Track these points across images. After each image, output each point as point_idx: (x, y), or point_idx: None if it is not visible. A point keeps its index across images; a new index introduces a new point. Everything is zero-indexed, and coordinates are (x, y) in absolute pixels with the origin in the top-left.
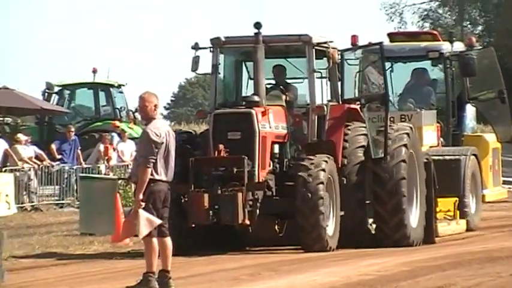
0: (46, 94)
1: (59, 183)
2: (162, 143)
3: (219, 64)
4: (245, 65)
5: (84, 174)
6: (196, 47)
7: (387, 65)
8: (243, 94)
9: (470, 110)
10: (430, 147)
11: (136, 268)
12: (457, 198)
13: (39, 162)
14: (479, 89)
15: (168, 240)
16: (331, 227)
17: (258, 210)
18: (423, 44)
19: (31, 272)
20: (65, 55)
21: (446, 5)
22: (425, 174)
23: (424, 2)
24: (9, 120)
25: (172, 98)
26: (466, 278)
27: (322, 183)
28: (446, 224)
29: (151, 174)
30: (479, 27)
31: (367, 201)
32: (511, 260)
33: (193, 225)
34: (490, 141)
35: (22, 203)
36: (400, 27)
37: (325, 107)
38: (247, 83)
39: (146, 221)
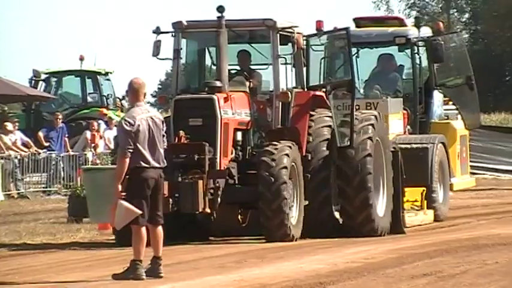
0: (33, 81)
1: (46, 170)
2: (138, 131)
3: (181, 49)
4: (208, 51)
5: (87, 166)
6: (157, 31)
7: (353, 50)
8: (207, 80)
9: (437, 97)
10: (397, 135)
11: (123, 256)
12: (425, 188)
13: (26, 150)
14: (447, 75)
15: (160, 229)
16: (294, 216)
17: (219, 199)
18: (390, 29)
19: (18, 259)
20: (52, 42)
21: None
22: (392, 163)
23: None
24: None
25: (159, 86)
26: (453, 265)
27: (285, 167)
28: (413, 214)
29: (138, 162)
30: (466, 15)
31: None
32: (497, 248)
33: None
34: (457, 128)
35: (9, 191)
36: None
37: (289, 93)
38: (211, 69)
39: (125, 212)
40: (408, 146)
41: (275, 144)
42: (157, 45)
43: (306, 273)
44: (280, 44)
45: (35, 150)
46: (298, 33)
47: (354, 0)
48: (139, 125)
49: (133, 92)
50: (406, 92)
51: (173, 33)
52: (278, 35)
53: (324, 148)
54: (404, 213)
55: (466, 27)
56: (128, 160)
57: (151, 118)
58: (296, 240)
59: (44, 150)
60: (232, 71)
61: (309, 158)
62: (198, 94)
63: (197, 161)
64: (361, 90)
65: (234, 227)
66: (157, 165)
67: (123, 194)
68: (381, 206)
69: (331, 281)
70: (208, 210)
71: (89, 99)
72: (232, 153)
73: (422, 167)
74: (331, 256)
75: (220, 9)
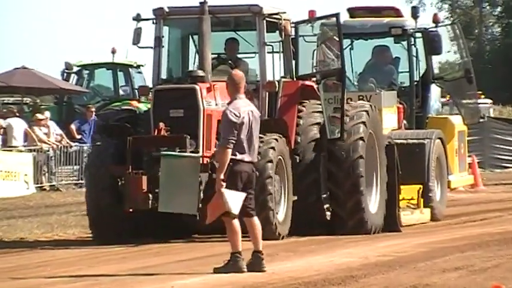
0: (65, 74)
1: (78, 163)
2: (242, 123)
3: (163, 37)
4: (192, 38)
5: (166, 152)
6: (138, 18)
7: (347, 42)
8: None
9: (435, 90)
10: (392, 130)
11: (156, 249)
12: (421, 186)
13: (57, 143)
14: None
15: (255, 220)
16: (281, 212)
17: (201, 194)
18: (385, 20)
19: (50, 251)
20: (84, 35)
21: None
22: (386, 159)
23: None
24: (28, 100)
25: None
26: (485, 259)
27: (271, 161)
28: (409, 212)
29: (234, 155)
30: (499, 8)
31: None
32: None
33: (130, 210)
34: (456, 123)
35: (41, 183)
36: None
37: (277, 83)
38: (195, 58)
39: (233, 198)
40: (404, 141)
41: (261, 137)
42: (137, 33)
43: (337, 267)
44: (267, 31)
45: (67, 143)
46: (285, 19)
47: None
48: (243, 117)
49: (235, 84)
50: (402, 86)
51: (154, 20)
52: (264, 21)
53: (315, 131)
54: (400, 212)
55: (498, 21)
56: (230, 151)
57: (252, 112)
58: (283, 239)
59: (76, 143)
60: (215, 61)
61: (299, 140)
62: (179, 84)
63: None
64: (355, 83)
65: (220, 224)
66: (251, 159)
67: (224, 184)
68: (374, 202)
69: (362, 274)
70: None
71: (121, 92)
72: (216, 146)
73: (419, 164)
74: (362, 250)
75: None
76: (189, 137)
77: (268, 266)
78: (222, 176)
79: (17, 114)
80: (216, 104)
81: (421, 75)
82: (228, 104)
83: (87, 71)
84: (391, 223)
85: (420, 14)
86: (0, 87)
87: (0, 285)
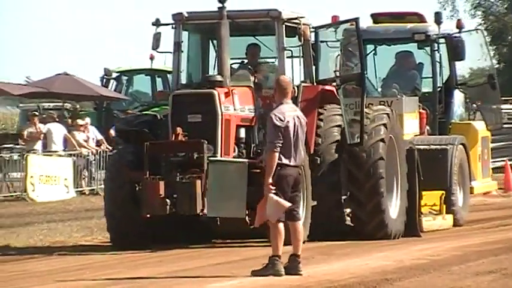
0: (104, 80)
1: None
2: (287, 127)
3: (182, 42)
4: (212, 43)
5: (215, 158)
6: (157, 23)
7: (370, 47)
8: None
9: (458, 96)
10: (415, 135)
11: (191, 252)
12: (444, 192)
13: (97, 147)
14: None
15: (299, 225)
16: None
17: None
18: (409, 25)
19: (89, 254)
20: (124, 42)
21: None
22: (407, 164)
23: None
24: (68, 105)
25: None
26: None
27: None
28: (431, 218)
29: (279, 159)
30: None
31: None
32: None
33: (147, 216)
34: (479, 129)
35: (81, 187)
36: (453, 16)
37: (296, 88)
38: (215, 63)
39: (276, 205)
40: (427, 147)
41: None
42: (157, 38)
43: (372, 270)
44: (286, 36)
45: (106, 148)
46: (304, 24)
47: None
48: (288, 122)
49: (282, 89)
50: (426, 91)
51: (173, 25)
52: (283, 26)
53: (336, 133)
54: (421, 217)
55: None
56: (277, 154)
57: (298, 117)
58: (304, 243)
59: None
60: (236, 65)
61: (319, 142)
62: (197, 89)
63: (196, 160)
64: (379, 89)
65: (240, 229)
66: (297, 163)
67: (273, 188)
68: (394, 207)
69: (397, 277)
70: (206, 211)
71: None
72: (234, 151)
73: (441, 169)
74: (397, 253)
75: None
76: (206, 142)
77: (304, 269)
78: (270, 180)
79: (57, 120)
80: (235, 109)
81: (444, 81)
82: (274, 108)
83: (126, 77)
84: (411, 228)
85: (443, 20)
86: (42, 93)
87: None
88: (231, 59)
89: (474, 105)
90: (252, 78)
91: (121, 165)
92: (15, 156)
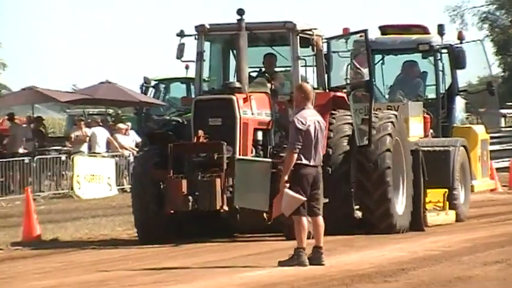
0: (144, 88)
1: None
2: (308, 130)
3: (204, 51)
4: (232, 53)
5: (241, 157)
6: (181, 34)
7: (378, 57)
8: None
9: (459, 102)
10: (420, 138)
11: (220, 245)
12: (447, 189)
13: (137, 149)
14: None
15: (320, 219)
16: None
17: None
18: (414, 36)
19: (131, 247)
20: (161, 52)
21: (503, 8)
22: (412, 162)
23: (483, 5)
24: (111, 111)
25: None
26: None
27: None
28: (435, 214)
29: (300, 159)
30: None
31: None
32: None
33: (171, 212)
34: (479, 132)
35: (122, 185)
36: (462, 28)
37: None
38: (234, 71)
39: (291, 199)
40: (431, 148)
41: None
42: (180, 48)
43: (389, 260)
44: (301, 46)
45: None
46: (317, 35)
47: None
48: (309, 125)
49: (305, 95)
50: (429, 98)
51: (196, 36)
52: (298, 37)
53: (345, 144)
54: (426, 213)
55: None
56: (296, 156)
57: (318, 121)
58: (313, 238)
59: None
60: (254, 73)
61: (330, 152)
62: (217, 95)
63: (217, 160)
64: (386, 96)
65: (259, 224)
66: (316, 163)
67: (288, 184)
68: (401, 204)
69: (411, 267)
70: (226, 207)
71: None
72: (252, 152)
73: (444, 169)
74: (411, 245)
75: (240, 11)
76: (226, 143)
77: (326, 259)
78: (286, 178)
79: (101, 124)
80: (252, 113)
81: (446, 88)
82: (296, 112)
83: (163, 85)
84: (415, 223)
85: (446, 31)
86: (87, 100)
87: (87, 277)
88: (250, 67)
89: (480, 110)
90: (269, 85)
91: (147, 166)
92: (63, 157)
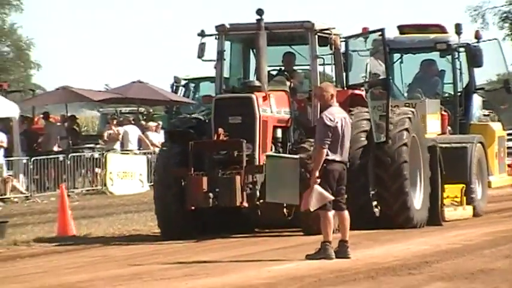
0: (174, 87)
1: None
2: (336, 127)
3: (224, 51)
4: (252, 52)
5: (270, 153)
6: (202, 34)
7: (397, 56)
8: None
9: (476, 100)
10: (438, 135)
11: (254, 238)
12: (464, 185)
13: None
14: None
15: (345, 214)
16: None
17: (257, 193)
18: (432, 36)
19: (161, 242)
20: (192, 52)
21: None
22: (429, 158)
23: (504, 5)
24: (142, 109)
25: None
26: None
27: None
28: (453, 209)
29: (327, 155)
30: None
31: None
32: None
33: (192, 208)
34: (495, 129)
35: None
36: (483, 28)
37: None
38: (254, 69)
39: (319, 196)
40: (448, 145)
41: (311, 141)
42: (202, 48)
43: (413, 254)
44: (319, 45)
45: None
46: (335, 34)
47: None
48: (337, 122)
49: (330, 94)
50: (447, 96)
51: (216, 36)
52: (316, 36)
53: (363, 138)
54: (444, 208)
55: None
56: (325, 151)
57: (344, 118)
58: (334, 232)
59: None
60: (273, 72)
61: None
62: (237, 93)
63: (237, 157)
64: (405, 94)
65: (279, 219)
66: (342, 159)
67: (319, 180)
68: (418, 199)
69: (435, 260)
70: (246, 204)
71: None
72: (271, 150)
73: (462, 165)
74: (434, 239)
75: (260, 12)
76: (245, 141)
77: (352, 253)
78: (317, 173)
79: (132, 122)
80: (271, 112)
81: (464, 86)
82: (324, 110)
83: (193, 84)
84: (433, 217)
85: (463, 31)
86: (118, 99)
87: (120, 271)
88: (269, 66)
89: (502, 107)
90: (288, 84)
91: (168, 163)
92: (96, 155)
